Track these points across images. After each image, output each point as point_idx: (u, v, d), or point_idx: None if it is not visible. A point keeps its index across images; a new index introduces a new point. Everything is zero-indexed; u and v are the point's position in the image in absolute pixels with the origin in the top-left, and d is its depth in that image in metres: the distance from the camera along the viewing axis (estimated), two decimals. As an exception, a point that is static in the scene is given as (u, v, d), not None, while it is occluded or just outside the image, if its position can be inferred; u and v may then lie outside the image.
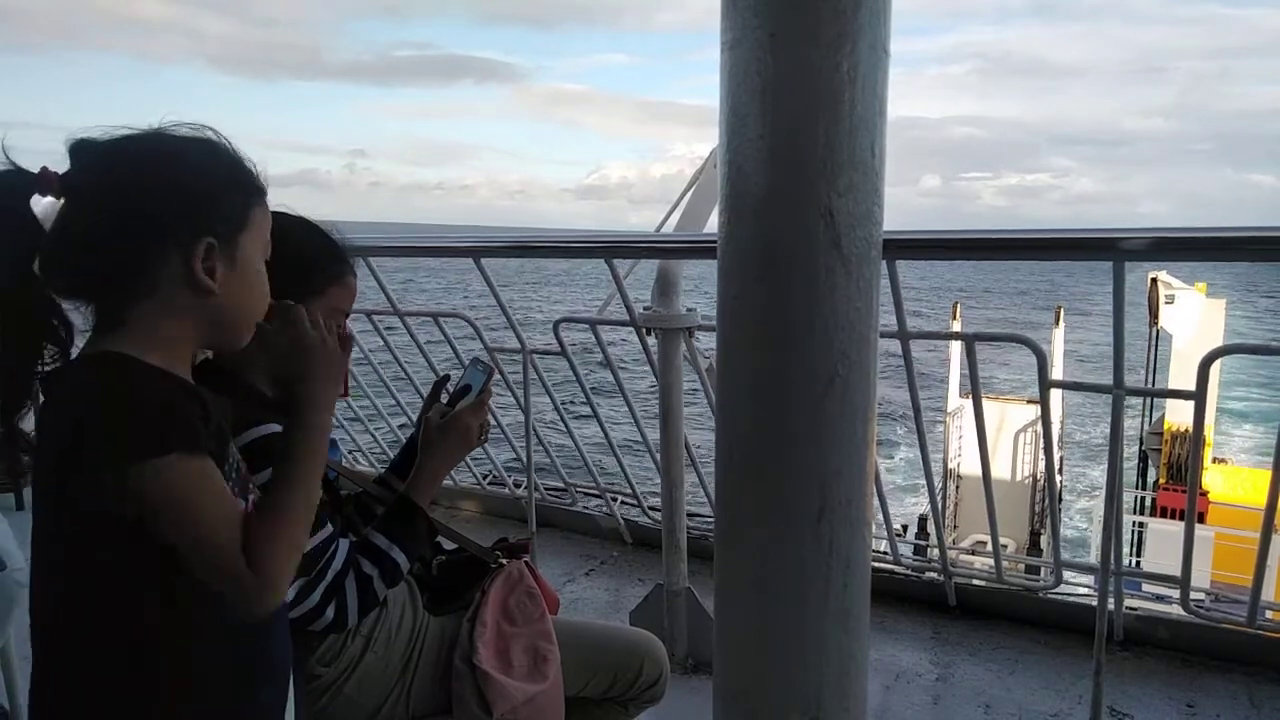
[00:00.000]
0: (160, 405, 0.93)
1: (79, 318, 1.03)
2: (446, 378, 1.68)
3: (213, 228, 1.01)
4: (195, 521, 0.91)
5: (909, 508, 14.13)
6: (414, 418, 1.61)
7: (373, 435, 4.12)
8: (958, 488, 13.36)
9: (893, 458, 18.85)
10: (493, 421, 2.27)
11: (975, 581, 3.01)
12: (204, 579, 0.92)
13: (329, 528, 1.31)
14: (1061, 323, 13.51)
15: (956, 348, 12.37)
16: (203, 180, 1.03)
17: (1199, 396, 2.20)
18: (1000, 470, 12.81)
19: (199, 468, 0.92)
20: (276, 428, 1.27)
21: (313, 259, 1.37)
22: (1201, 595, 3.24)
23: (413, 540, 1.41)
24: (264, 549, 0.93)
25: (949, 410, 13.65)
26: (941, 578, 2.91)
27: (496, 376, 1.63)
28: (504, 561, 1.60)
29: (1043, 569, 3.41)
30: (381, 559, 1.35)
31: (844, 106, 0.78)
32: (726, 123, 0.83)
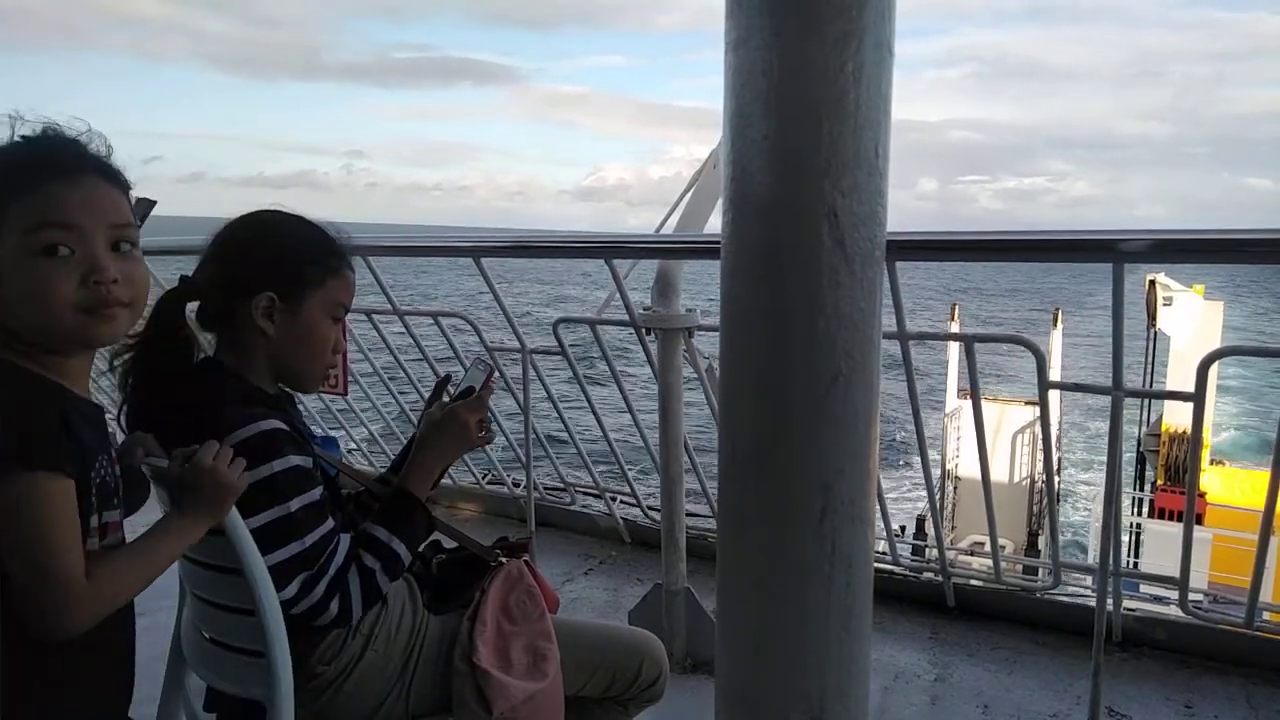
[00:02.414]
0: (22, 417, 0.97)
1: None
2: (448, 378, 1.69)
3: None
4: (39, 540, 0.95)
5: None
6: (414, 418, 1.61)
7: (372, 434, 4.12)
8: (955, 489, 13.37)
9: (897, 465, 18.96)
10: (495, 424, 2.26)
11: (974, 582, 3.01)
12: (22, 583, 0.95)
13: (330, 522, 1.31)
14: (1059, 324, 13.54)
15: (955, 349, 12.39)
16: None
17: (1198, 398, 2.20)
18: (998, 471, 12.82)
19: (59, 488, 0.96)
20: (275, 423, 1.28)
21: (308, 253, 1.38)
22: (1200, 596, 3.24)
23: (412, 531, 1.41)
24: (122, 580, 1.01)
25: (947, 411, 13.66)
26: (940, 578, 2.92)
27: (496, 375, 1.63)
28: (504, 560, 1.60)
29: (1041, 570, 3.42)
30: (382, 551, 1.35)
31: (848, 106, 0.79)
32: (731, 123, 0.83)
